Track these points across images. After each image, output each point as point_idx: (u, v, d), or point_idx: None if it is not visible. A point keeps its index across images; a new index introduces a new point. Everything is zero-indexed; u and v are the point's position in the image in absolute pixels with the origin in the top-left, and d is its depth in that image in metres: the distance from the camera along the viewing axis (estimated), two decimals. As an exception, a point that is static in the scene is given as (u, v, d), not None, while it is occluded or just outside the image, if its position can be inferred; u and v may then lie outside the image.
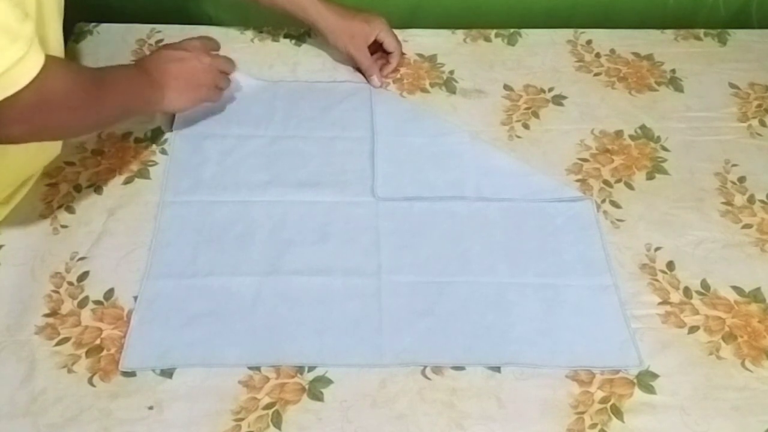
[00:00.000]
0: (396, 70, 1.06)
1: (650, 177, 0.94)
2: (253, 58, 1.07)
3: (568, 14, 1.16)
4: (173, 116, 0.98)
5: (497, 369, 0.76)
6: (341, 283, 0.82)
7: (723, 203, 0.91)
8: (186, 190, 0.90)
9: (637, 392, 0.75)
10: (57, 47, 0.82)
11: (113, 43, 1.09)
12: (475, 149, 0.96)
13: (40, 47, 0.69)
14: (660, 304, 0.82)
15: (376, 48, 1.05)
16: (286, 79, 1.05)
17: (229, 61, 0.97)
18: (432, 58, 1.09)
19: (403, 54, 1.07)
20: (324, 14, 1.02)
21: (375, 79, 1.03)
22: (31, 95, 0.68)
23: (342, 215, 0.88)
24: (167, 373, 0.75)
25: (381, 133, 0.97)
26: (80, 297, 0.80)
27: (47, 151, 0.88)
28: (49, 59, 0.70)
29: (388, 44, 1.05)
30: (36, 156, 0.87)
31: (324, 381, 0.75)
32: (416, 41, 1.11)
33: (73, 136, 0.92)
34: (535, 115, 1.01)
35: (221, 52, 1.07)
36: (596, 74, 1.07)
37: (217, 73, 0.95)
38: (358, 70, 1.05)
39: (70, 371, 0.74)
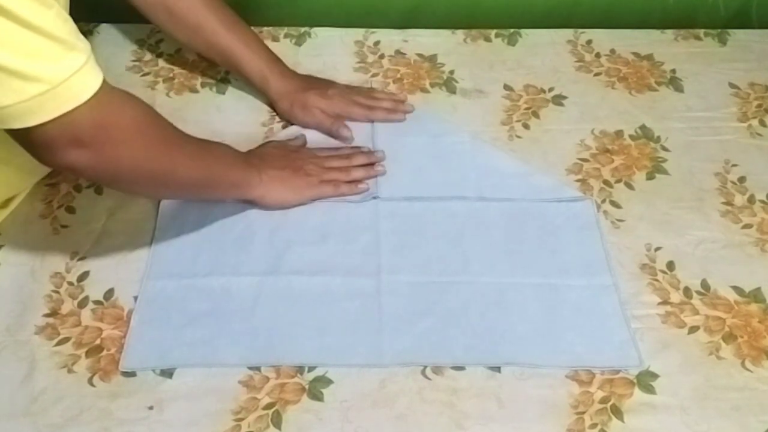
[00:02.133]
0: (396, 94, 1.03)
1: (650, 177, 0.94)
2: (253, 58, 1.07)
3: (568, 14, 1.16)
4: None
5: (497, 369, 0.76)
6: (341, 283, 0.82)
7: (723, 203, 0.91)
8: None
9: (637, 392, 0.75)
10: None
11: (113, 43, 1.09)
12: (475, 149, 0.96)
13: (96, 64, 0.65)
14: (660, 304, 0.82)
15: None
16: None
17: (365, 154, 0.92)
18: (432, 58, 1.09)
19: (403, 54, 1.07)
20: (275, 87, 0.97)
21: (343, 130, 0.95)
22: (94, 114, 0.64)
23: (342, 215, 0.88)
24: (167, 373, 0.75)
25: (381, 133, 0.97)
26: (80, 297, 0.80)
27: (35, 170, 0.86)
28: (108, 84, 0.66)
29: (354, 115, 0.97)
30: (24, 174, 0.85)
31: (324, 381, 0.75)
32: (416, 41, 1.11)
33: (147, 190, 0.82)
34: (535, 115, 1.01)
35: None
36: (596, 74, 1.07)
37: (328, 169, 0.89)
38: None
39: (70, 371, 0.74)
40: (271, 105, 0.99)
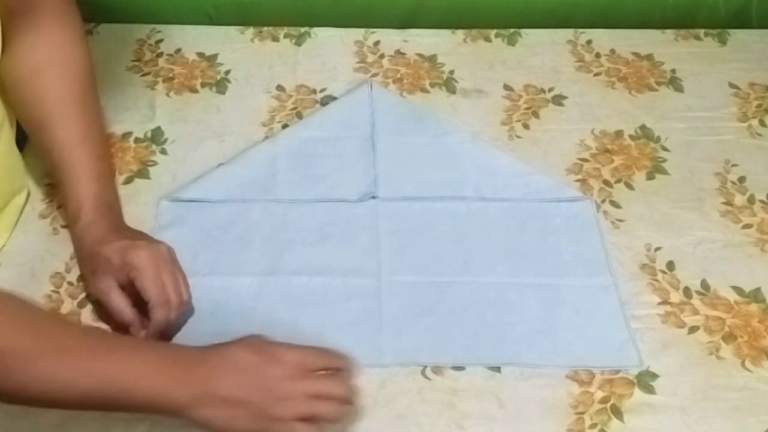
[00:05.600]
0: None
1: (650, 177, 0.94)
2: (253, 58, 1.07)
3: (568, 14, 1.16)
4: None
5: (497, 369, 0.76)
6: (341, 283, 0.82)
7: (723, 203, 0.91)
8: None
9: (637, 392, 0.75)
10: None
11: (113, 43, 1.09)
12: (475, 149, 0.95)
13: None
14: (660, 304, 0.82)
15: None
16: (286, 78, 1.04)
17: (345, 384, 0.67)
18: (432, 58, 1.09)
19: (403, 54, 1.07)
20: (79, 229, 0.76)
21: (133, 329, 0.73)
22: None
23: (342, 215, 0.88)
24: (167, 373, 0.74)
25: (381, 133, 0.97)
26: (80, 297, 0.80)
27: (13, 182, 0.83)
28: None
29: (142, 288, 0.72)
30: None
31: (324, 381, 0.74)
32: (416, 41, 1.11)
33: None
34: (535, 115, 1.01)
35: (221, 52, 1.08)
36: (596, 74, 1.07)
37: (309, 404, 0.64)
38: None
39: (70, 371, 0.74)
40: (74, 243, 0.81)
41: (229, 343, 0.66)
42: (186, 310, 0.76)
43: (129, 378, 0.62)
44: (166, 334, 0.74)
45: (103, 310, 0.78)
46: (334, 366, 0.68)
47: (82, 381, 0.61)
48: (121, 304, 0.73)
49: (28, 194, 0.89)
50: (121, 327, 0.74)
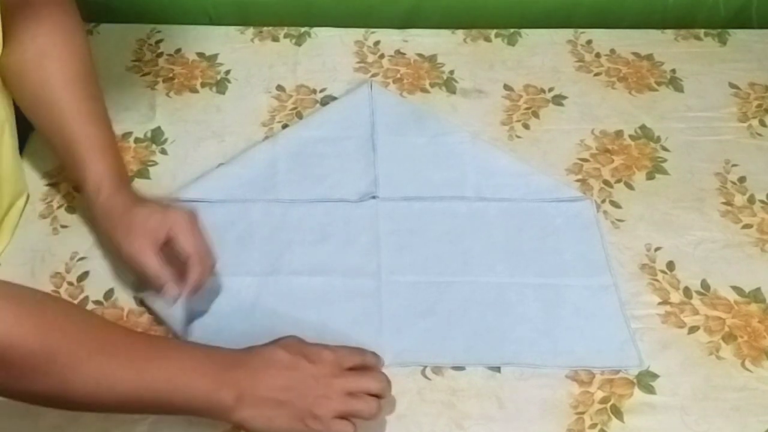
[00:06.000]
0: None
1: (650, 177, 0.94)
2: (253, 58, 1.07)
3: (568, 14, 1.16)
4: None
5: (497, 369, 0.76)
6: (341, 283, 0.82)
7: (723, 203, 0.91)
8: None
9: (637, 392, 0.75)
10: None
11: (113, 43, 1.09)
12: (475, 149, 0.95)
13: None
14: (660, 304, 0.82)
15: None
16: (286, 78, 1.05)
17: (380, 379, 0.68)
18: (432, 58, 1.09)
19: (403, 54, 1.07)
20: (101, 200, 0.77)
21: (168, 289, 0.74)
22: None
23: (342, 215, 0.88)
24: (167, 373, 0.74)
25: (381, 133, 0.97)
26: (80, 297, 0.80)
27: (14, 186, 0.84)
28: None
29: (183, 244, 0.75)
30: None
31: (324, 381, 0.74)
32: (416, 41, 1.11)
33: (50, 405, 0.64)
34: (535, 115, 1.01)
35: (221, 52, 1.08)
36: (596, 74, 1.07)
37: (346, 401, 0.66)
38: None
39: (70, 371, 0.74)
40: (93, 221, 0.83)
41: (267, 345, 0.68)
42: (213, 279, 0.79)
43: (171, 380, 0.62)
44: (197, 294, 0.76)
45: (102, 311, 0.78)
46: (367, 363, 0.69)
47: (125, 382, 0.61)
48: (157, 263, 0.75)
49: (28, 197, 0.89)
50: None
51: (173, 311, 0.74)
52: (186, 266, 0.75)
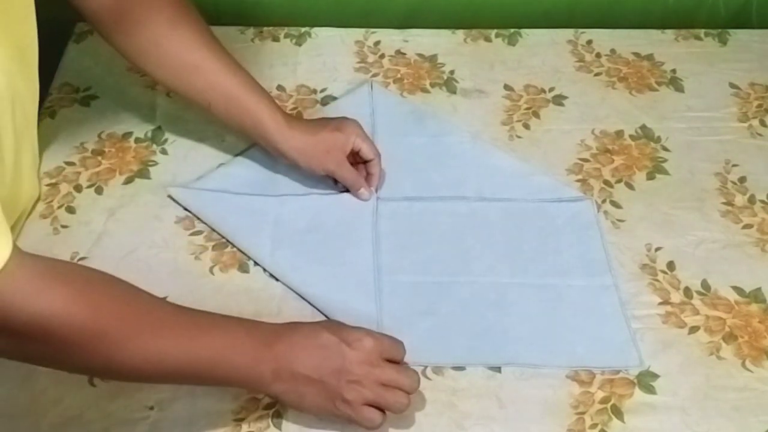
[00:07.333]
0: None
1: (651, 177, 0.94)
2: (253, 58, 1.07)
3: (568, 14, 1.16)
4: None
5: (497, 369, 0.76)
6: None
7: (723, 203, 0.91)
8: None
9: (638, 392, 0.75)
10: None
11: (113, 43, 1.09)
12: (475, 149, 0.96)
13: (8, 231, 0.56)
14: (660, 304, 0.82)
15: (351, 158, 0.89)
16: (286, 78, 1.04)
17: (414, 377, 0.69)
18: (432, 58, 1.09)
19: (403, 54, 1.07)
20: (288, 135, 0.85)
21: (364, 192, 0.88)
22: None
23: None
24: (167, 373, 0.74)
25: (381, 133, 0.97)
26: (80, 297, 0.80)
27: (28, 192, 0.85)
28: (30, 259, 0.56)
29: (366, 151, 0.87)
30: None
31: (324, 381, 0.74)
32: (416, 41, 1.11)
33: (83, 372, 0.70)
34: (536, 115, 1.01)
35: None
36: (596, 74, 1.07)
37: (378, 392, 0.67)
38: (335, 181, 0.90)
39: (70, 371, 0.74)
40: (277, 151, 0.87)
41: (311, 323, 0.71)
42: None
43: (213, 357, 0.64)
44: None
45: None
46: (403, 357, 0.71)
47: (170, 359, 0.63)
48: (356, 172, 0.88)
49: (38, 199, 0.89)
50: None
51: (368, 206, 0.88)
52: (369, 167, 0.88)
